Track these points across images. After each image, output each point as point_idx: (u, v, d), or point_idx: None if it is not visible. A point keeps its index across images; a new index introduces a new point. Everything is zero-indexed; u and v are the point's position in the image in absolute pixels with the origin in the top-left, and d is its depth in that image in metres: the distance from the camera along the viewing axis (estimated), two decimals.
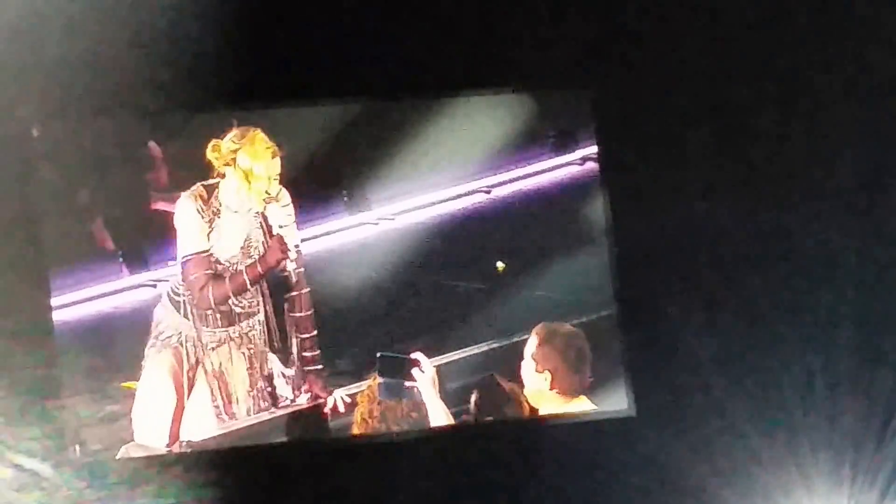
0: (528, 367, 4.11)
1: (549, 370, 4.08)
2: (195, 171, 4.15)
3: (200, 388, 4.14)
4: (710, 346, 4.22)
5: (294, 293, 4.18)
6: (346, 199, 4.32)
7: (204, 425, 4.12)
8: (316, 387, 4.18)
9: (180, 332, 4.14)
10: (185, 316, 4.14)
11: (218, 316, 4.16)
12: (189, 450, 4.06)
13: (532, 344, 4.12)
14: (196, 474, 3.95)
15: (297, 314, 4.19)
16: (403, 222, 4.35)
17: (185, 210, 4.12)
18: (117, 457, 4.03)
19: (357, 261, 4.30)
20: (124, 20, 3.99)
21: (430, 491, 4.08)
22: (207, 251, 4.12)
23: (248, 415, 4.16)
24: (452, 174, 4.37)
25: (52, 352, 4.02)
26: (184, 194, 4.12)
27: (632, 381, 4.22)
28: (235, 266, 4.15)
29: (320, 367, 4.20)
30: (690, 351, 4.20)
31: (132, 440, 4.05)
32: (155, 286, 4.20)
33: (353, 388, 4.18)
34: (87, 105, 4.06)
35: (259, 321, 4.19)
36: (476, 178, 4.41)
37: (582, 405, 4.13)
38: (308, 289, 4.19)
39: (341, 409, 4.16)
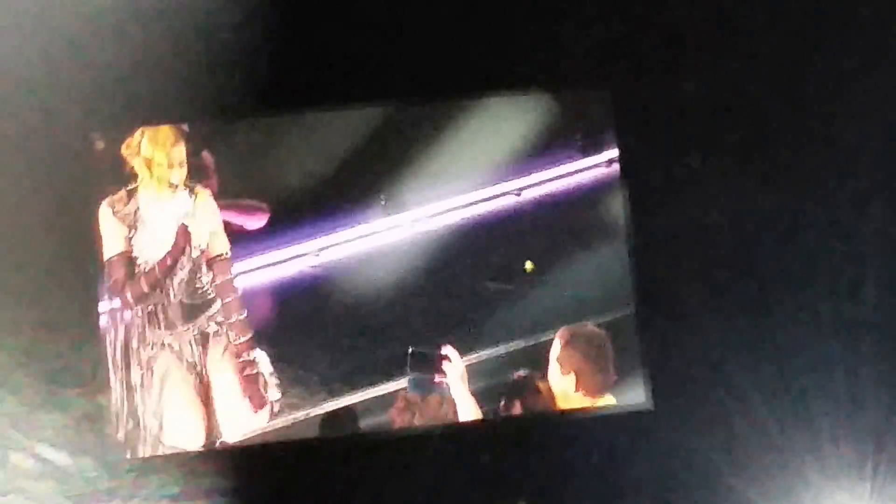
0: (553, 370, 4.19)
1: (573, 372, 4.16)
2: (245, 179, 4.31)
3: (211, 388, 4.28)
4: (730, 341, 4.26)
5: (223, 300, 4.27)
6: (383, 202, 4.41)
7: (238, 425, 4.24)
8: (249, 389, 4.25)
9: (161, 343, 4.25)
10: (155, 325, 4.25)
11: (176, 313, 4.25)
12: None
13: (556, 347, 4.19)
14: (208, 467, 4.09)
15: (229, 321, 4.28)
16: (437, 224, 4.43)
17: (102, 217, 4.22)
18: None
19: (393, 262, 4.39)
20: (167, 33, 4.15)
21: (451, 484, 4.14)
22: (125, 252, 4.21)
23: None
24: (484, 175, 4.45)
25: (92, 346, 4.16)
26: (103, 202, 4.22)
27: (650, 375, 4.25)
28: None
29: (255, 372, 4.25)
30: (709, 345, 4.26)
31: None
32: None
33: (380, 389, 4.28)
34: (141, 115, 4.22)
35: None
36: (507, 180, 4.49)
37: (606, 403, 4.22)
38: (234, 296, 4.27)
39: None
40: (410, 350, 4.15)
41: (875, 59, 4.39)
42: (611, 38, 4.35)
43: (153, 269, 4.23)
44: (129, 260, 4.23)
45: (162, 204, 4.23)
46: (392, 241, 4.42)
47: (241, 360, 4.25)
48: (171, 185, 4.22)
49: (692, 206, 4.33)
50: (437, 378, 4.12)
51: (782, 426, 4.21)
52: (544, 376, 4.23)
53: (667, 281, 4.32)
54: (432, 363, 4.13)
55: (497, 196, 4.50)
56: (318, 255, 4.39)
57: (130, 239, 4.23)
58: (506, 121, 4.43)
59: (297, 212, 4.37)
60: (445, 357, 4.14)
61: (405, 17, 4.27)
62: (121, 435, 4.16)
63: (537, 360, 4.28)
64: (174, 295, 4.23)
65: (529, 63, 4.34)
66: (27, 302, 4.08)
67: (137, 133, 4.20)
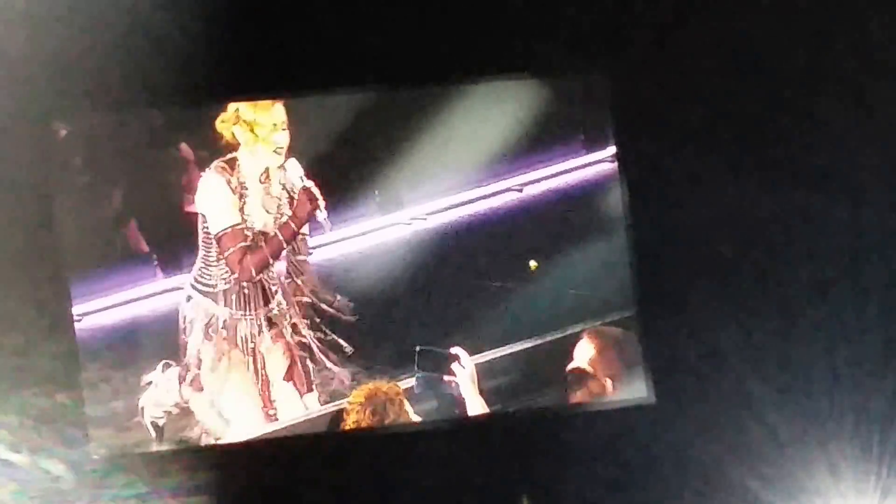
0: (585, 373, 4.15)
1: (609, 377, 4.14)
2: None
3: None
4: (731, 334, 4.22)
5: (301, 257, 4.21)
6: (377, 199, 4.32)
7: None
8: (299, 371, 4.18)
9: (217, 317, 4.14)
10: (219, 302, 4.14)
11: (252, 294, 4.15)
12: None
13: (589, 351, 4.15)
14: (175, 465, 4.02)
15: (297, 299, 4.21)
16: (436, 222, 4.36)
17: (213, 184, 4.10)
18: None
19: (390, 261, 4.30)
20: (143, 16, 4.02)
21: (454, 478, 4.09)
22: (240, 224, 4.10)
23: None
24: (482, 169, 4.37)
25: (51, 343, 4.04)
26: (208, 170, 4.09)
27: (651, 369, 4.24)
28: (269, 233, 4.15)
29: (307, 355, 4.20)
30: (711, 339, 4.21)
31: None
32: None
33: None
34: (113, 104, 4.10)
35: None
36: (508, 176, 4.43)
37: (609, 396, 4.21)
38: (309, 276, 4.21)
39: None
40: (419, 348, 4.08)
41: (878, 56, 4.38)
42: (610, 22, 4.32)
43: (275, 236, 4.11)
44: (243, 231, 4.09)
45: (270, 170, 4.13)
46: (389, 238, 4.34)
47: (296, 341, 4.19)
48: (277, 148, 4.11)
49: (694, 197, 4.30)
50: (447, 378, 4.07)
51: (785, 419, 4.18)
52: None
53: (669, 275, 4.29)
54: (441, 362, 4.07)
55: (497, 193, 4.44)
56: (311, 252, 4.27)
57: (243, 209, 4.10)
58: (502, 108, 4.35)
59: None
60: (456, 357, 4.07)
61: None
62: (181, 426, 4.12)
63: (545, 360, 4.23)
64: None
65: (526, 46, 4.27)
66: None
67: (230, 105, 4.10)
